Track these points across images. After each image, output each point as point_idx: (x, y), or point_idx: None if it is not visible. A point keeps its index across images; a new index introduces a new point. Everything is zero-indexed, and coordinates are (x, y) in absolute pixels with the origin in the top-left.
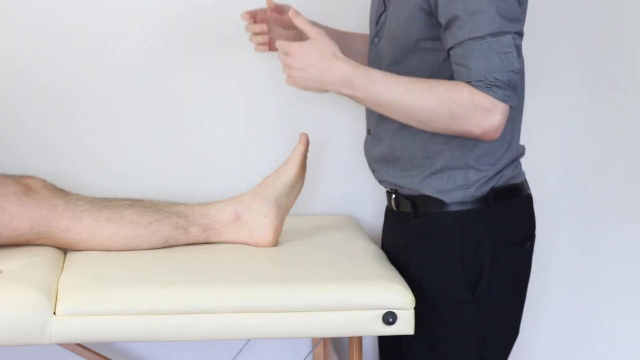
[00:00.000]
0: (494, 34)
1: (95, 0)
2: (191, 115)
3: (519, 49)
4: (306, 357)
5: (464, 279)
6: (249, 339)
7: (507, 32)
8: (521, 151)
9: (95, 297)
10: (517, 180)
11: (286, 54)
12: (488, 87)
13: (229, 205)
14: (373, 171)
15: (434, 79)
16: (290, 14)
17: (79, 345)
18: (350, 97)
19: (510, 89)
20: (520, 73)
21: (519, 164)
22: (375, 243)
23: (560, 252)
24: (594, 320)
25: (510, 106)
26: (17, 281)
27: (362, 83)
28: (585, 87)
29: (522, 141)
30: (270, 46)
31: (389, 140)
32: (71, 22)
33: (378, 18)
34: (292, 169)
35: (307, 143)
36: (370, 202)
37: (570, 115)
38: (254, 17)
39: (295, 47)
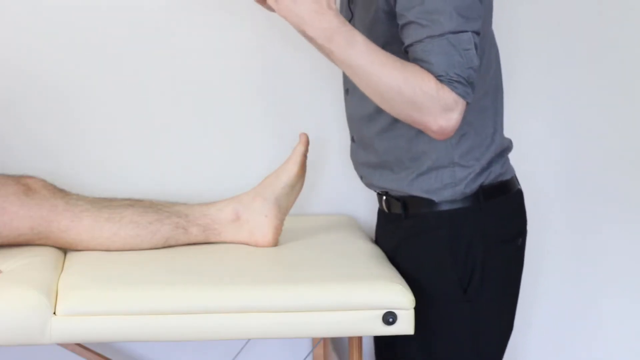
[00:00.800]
0: (453, 32)
1: (95, 0)
2: (191, 115)
3: (477, 47)
4: (306, 357)
5: (456, 279)
6: (249, 339)
7: (466, 31)
8: (507, 144)
9: (95, 297)
10: (507, 177)
11: None
12: (449, 83)
13: (229, 205)
14: (361, 177)
15: (410, 64)
16: None
17: (79, 345)
18: (325, 49)
19: (469, 85)
20: (478, 71)
21: (507, 160)
22: (375, 244)
23: (554, 248)
24: (588, 316)
25: (467, 103)
26: (17, 281)
27: (341, 40)
28: (578, 82)
29: (514, 136)
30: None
31: (373, 146)
32: (71, 22)
33: None
34: (292, 169)
35: (307, 143)
36: (370, 202)
37: (562, 110)
38: None
39: None
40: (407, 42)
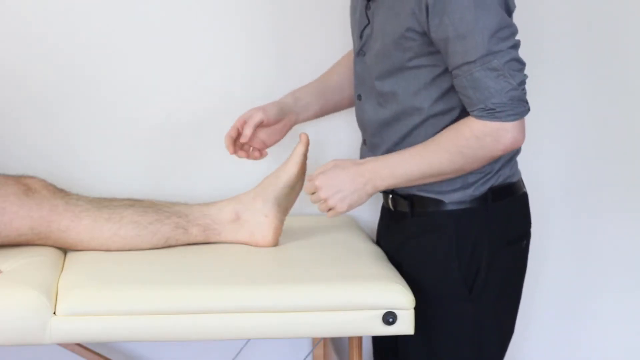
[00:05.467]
0: (483, 57)
1: (91, 1)
2: (191, 115)
3: (516, 61)
4: (306, 357)
5: (461, 278)
6: (249, 339)
7: (498, 52)
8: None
9: (96, 297)
10: (514, 179)
11: (317, 189)
12: (489, 114)
13: (229, 205)
14: None
15: (443, 131)
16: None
17: (79, 345)
18: (386, 187)
19: (514, 106)
20: (523, 83)
21: (516, 163)
22: (375, 243)
23: (555, 250)
24: (587, 318)
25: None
26: (17, 281)
27: (386, 171)
28: (583, 85)
29: None
30: (262, 151)
31: (388, 151)
32: (69, 23)
33: (361, 31)
34: (292, 169)
35: (307, 143)
36: (370, 202)
37: (566, 113)
38: (236, 137)
39: (320, 178)
40: (449, 67)
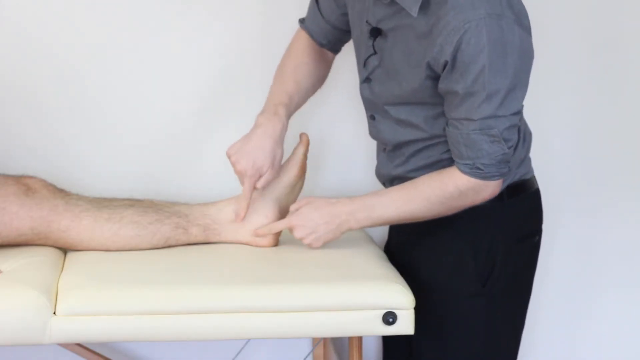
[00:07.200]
0: (485, 120)
1: (89, 3)
2: (191, 115)
3: (513, 126)
4: (306, 357)
5: (475, 273)
6: (249, 339)
7: (501, 117)
8: (529, 139)
9: (96, 297)
10: (527, 176)
11: (291, 229)
12: (476, 173)
13: (229, 205)
14: (383, 184)
15: (423, 177)
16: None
17: (79, 345)
18: (360, 228)
19: (499, 167)
20: (513, 146)
21: (530, 160)
22: (376, 243)
23: (559, 248)
24: (591, 316)
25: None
26: (17, 281)
27: (362, 215)
28: (594, 83)
29: None
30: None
31: (407, 162)
32: (69, 21)
33: (365, 60)
34: (292, 169)
35: (308, 143)
36: None
37: (576, 111)
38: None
39: (294, 219)
40: (447, 114)
